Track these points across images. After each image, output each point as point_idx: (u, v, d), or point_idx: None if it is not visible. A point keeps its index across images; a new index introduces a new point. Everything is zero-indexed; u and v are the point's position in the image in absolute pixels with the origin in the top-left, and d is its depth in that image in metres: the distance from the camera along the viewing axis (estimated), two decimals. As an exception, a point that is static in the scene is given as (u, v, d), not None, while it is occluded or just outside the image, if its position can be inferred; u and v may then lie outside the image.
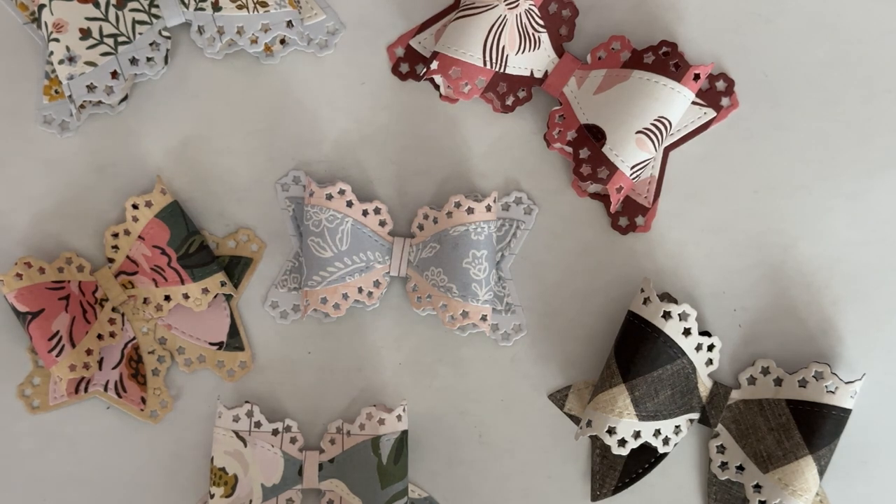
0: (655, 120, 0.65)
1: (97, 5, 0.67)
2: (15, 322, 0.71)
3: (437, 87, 0.70)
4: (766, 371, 0.68)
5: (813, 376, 0.66)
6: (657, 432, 0.66)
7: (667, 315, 0.65)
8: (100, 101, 0.70)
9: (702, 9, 0.70)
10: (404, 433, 0.67)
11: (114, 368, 0.70)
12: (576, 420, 0.70)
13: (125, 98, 0.70)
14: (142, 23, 0.68)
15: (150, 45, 0.68)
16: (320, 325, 0.71)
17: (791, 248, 0.70)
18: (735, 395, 0.68)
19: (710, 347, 0.67)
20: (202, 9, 0.67)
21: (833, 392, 0.65)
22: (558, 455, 0.71)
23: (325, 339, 0.71)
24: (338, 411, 0.71)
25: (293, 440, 0.69)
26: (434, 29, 0.70)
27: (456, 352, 0.71)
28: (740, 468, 0.68)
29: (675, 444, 0.67)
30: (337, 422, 0.69)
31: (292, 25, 0.67)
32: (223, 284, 0.69)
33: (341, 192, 0.67)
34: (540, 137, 0.70)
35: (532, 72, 0.68)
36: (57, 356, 0.67)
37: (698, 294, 0.70)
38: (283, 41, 0.70)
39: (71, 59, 0.66)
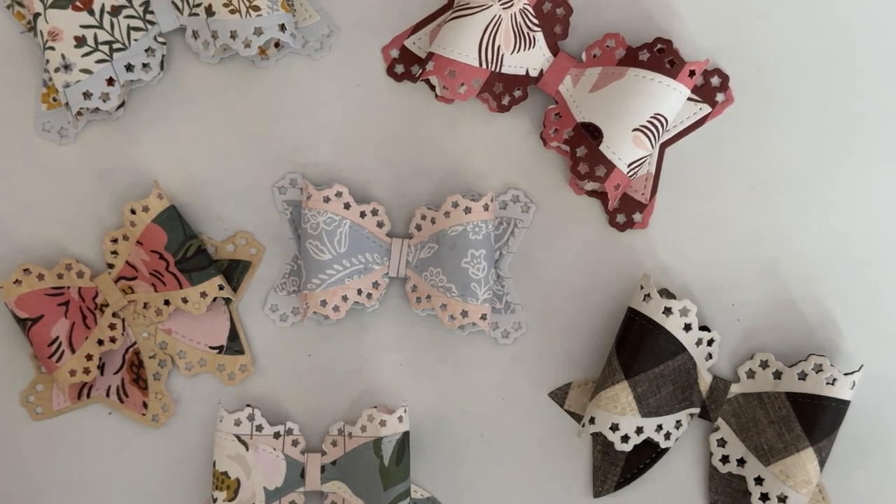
0: (652, 117, 0.65)
1: (91, 13, 0.67)
2: (18, 329, 0.71)
3: (432, 87, 0.70)
4: (764, 364, 0.68)
5: (812, 369, 0.66)
6: (659, 427, 0.66)
7: (668, 311, 0.65)
8: (97, 108, 0.70)
9: (695, 5, 0.70)
10: (406, 434, 0.67)
11: (115, 373, 0.70)
12: (577, 417, 0.70)
13: (122, 104, 0.70)
14: (137, 29, 0.68)
15: (146, 50, 0.69)
16: (320, 328, 0.71)
17: (788, 241, 0.69)
18: (734, 389, 0.68)
19: (710, 342, 0.67)
20: (196, 14, 0.67)
21: (832, 384, 0.65)
22: (560, 452, 0.71)
23: (325, 341, 0.71)
24: (339, 413, 0.71)
25: (295, 443, 0.69)
26: (429, 29, 0.70)
27: (456, 351, 0.71)
28: (741, 461, 0.68)
29: (676, 439, 0.67)
30: (338, 424, 0.69)
31: (285, 29, 0.67)
32: (221, 288, 0.69)
33: (338, 194, 0.67)
34: (536, 136, 0.70)
35: (528, 71, 0.68)
36: (57, 361, 0.67)
37: (696, 289, 0.70)
38: (277, 44, 0.70)
39: (66, 67, 0.67)
